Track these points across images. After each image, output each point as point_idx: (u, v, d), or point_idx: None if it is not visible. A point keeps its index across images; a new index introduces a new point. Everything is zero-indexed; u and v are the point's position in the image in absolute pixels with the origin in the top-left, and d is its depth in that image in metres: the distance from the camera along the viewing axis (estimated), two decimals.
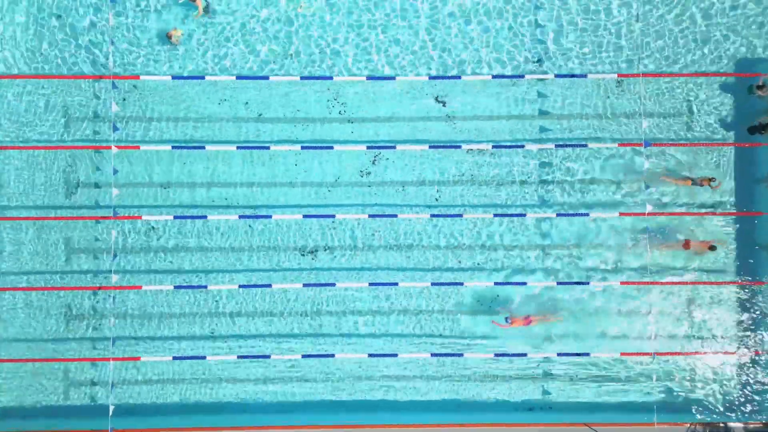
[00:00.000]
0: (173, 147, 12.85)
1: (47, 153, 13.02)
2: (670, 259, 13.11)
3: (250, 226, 13.04)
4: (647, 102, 13.10)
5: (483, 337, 13.01)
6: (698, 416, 12.91)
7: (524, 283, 12.97)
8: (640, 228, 13.04)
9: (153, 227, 13.03)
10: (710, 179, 12.77)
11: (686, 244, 12.79)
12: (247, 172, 13.08)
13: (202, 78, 13.01)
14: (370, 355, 12.81)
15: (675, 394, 13.04)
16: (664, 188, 13.19)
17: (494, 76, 13.17)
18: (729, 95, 13.25)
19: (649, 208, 12.83)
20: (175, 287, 12.89)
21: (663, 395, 12.98)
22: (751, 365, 13.05)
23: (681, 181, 12.96)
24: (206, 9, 13.11)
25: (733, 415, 12.96)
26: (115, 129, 12.77)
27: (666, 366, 13.01)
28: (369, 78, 13.08)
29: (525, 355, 12.88)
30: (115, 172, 12.75)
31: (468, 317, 13.04)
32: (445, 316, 13.05)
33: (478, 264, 13.12)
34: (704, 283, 13.10)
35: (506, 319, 12.43)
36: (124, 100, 13.06)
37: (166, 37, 13.03)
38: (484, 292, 13.00)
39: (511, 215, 13.07)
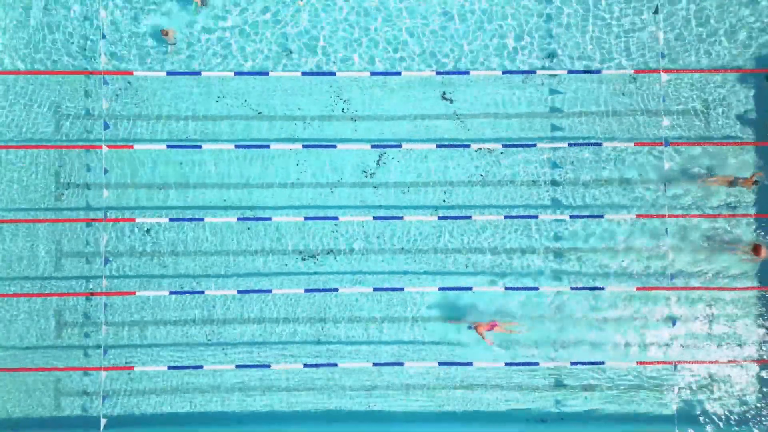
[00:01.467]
0: (168, 146, 12.64)
1: (36, 152, 12.79)
2: (691, 264, 12.83)
3: (248, 228, 12.82)
4: (665, 99, 12.81)
5: (494, 345, 12.67)
6: (721, 427, 12.59)
7: (536, 288, 12.70)
8: (663, 230, 12.80)
9: (147, 230, 12.79)
10: (754, 180, 12.40)
11: (756, 250, 12.35)
12: (246, 172, 12.86)
13: (199, 74, 12.83)
14: (375, 364, 12.53)
15: (697, 404, 12.70)
16: (686, 189, 12.91)
17: (504, 72, 12.93)
18: (751, 91, 12.96)
19: (668, 210, 12.61)
20: (171, 293, 12.62)
21: (684, 406, 12.64)
22: None
23: (722, 182, 12.60)
24: (203, 1, 12.93)
25: (757, 427, 12.62)
26: (106, 127, 12.58)
27: (687, 375, 12.71)
28: (373, 74, 12.87)
29: (537, 364, 12.59)
30: (106, 171, 12.56)
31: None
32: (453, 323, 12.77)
33: (488, 268, 12.83)
34: (727, 288, 12.77)
35: (468, 327, 12.21)
36: (117, 96, 12.84)
37: (161, 34, 12.82)
38: (495, 297, 12.71)
39: (523, 217, 12.79)
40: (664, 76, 12.60)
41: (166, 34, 12.68)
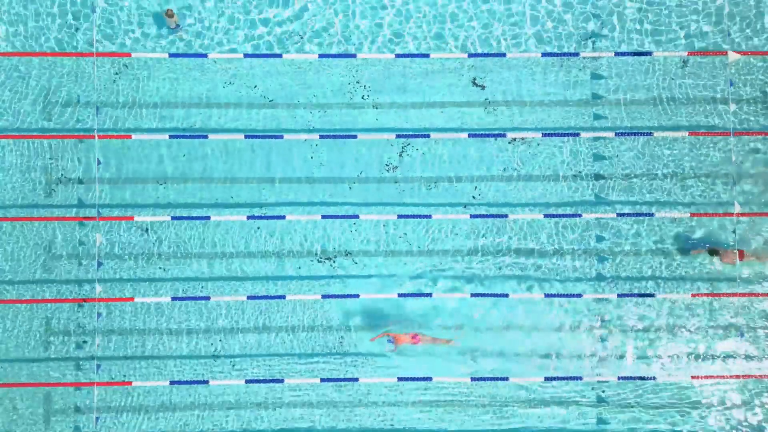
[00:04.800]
0: (171, 136, 12.35)
1: (24, 143, 12.51)
2: (757, 268, 12.18)
3: (259, 227, 12.43)
4: (732, 83, 12.21)
5: (530, 356, 12.18)
6: None
7: (579, 295, 12.11)
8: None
9: (146, 229, 12.46)
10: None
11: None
12: (257, 165, 12.52)
13: (205, 56, 12.49)
14: (400, 379, 12.07)
15: (756, 425, 12.02)
16: (752, 184, 12.28)
17: (543, 54, 12.50)
18: None
19: (737, 208, 11.91)
20: (173, 299, 12.30)
21: (741, 425, 12.00)
22: None
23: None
24: None
25: None
26: (98, 114, 12.37)
27: (747, 391, 12.05)
28: (398, 56, 12.47)
29: (580, 378, 12.05)
30: (99, 164, 12.32)
31: (512, 333, 12.23)
32: (485, 332, 12.26)
33: (525, 272, 12.35)
34: None
35: (389, 340, 11.90)
36: (114, 82, 12.50)
37: (164, 16, 12.35)
38: (532, 305, 12.20)
39: (564, 216, 12.31)
40: (733, 56, 12.02)
41: (171, 16, 12.13)
